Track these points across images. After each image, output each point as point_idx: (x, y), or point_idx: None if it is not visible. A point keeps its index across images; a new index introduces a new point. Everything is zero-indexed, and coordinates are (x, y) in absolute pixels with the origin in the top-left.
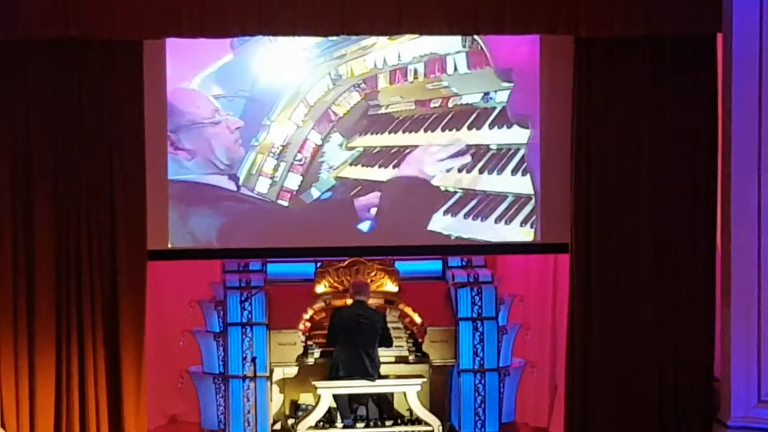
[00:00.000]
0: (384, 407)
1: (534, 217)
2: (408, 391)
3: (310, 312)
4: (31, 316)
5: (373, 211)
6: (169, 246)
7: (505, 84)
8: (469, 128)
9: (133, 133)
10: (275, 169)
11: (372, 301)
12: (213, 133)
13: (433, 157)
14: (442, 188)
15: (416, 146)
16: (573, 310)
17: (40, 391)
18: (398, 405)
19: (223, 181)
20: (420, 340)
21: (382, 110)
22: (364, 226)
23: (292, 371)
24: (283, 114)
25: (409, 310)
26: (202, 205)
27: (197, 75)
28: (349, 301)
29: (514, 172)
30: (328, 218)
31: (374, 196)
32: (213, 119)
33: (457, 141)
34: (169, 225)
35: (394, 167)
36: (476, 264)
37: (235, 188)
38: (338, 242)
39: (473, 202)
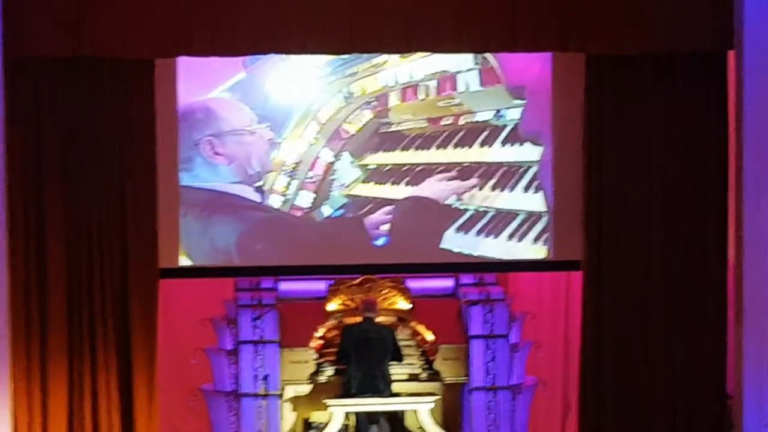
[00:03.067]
0: (396, 425)
1: (546, 235)
2: (420, 409)
3: (322, 330)
4: (43, 335)
5: (384, 228)
6: (187, 257)
7: (517, 101)
8: (481, 145)
9: (145, 152)
10: (287, 186)
11: (384, 319)
12: (250, 141)
13: (445, 174)
14: (454, 206)
15: (428, 164)
16: (585, 327)
17: (52, 410)
18: (410, 423)
19: (249, 192)
20: (432, 357)
21: (394, 128)
22: (377, 243)
23: (304, 389)
24: (295, 132)
25: (421, 328)
26: (224, 214)
27: (209, 93)
28: (359, 319)
29: (526, 189)
30: (339, 236)
31: (385, 213)
32: (251, 127)
33: (469, 158)
34: (190, 234)
35: (406, 185)
36: (488, 281)
37: (260, 199)
38: (350, 260)
39: (485, 220)
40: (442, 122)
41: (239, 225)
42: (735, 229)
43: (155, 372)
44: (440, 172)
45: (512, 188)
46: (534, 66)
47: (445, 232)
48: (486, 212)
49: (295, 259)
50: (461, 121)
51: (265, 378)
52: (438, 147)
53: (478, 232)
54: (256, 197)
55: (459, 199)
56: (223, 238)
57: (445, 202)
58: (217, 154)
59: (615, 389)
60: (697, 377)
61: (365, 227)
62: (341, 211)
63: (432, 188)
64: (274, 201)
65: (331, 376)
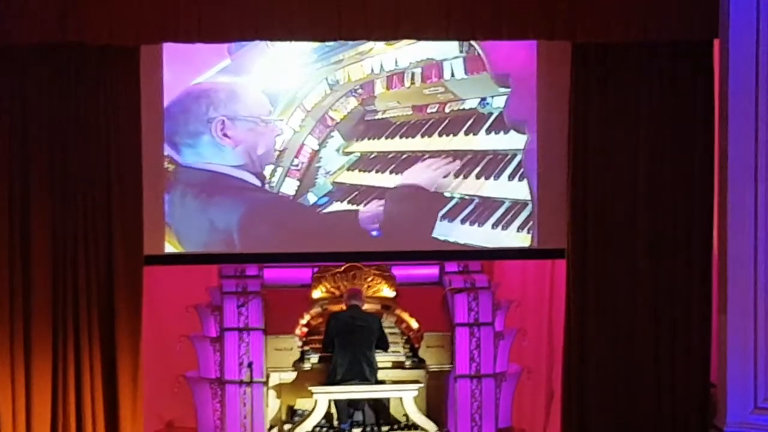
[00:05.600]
0: (380, 412)
1: (531, 223)
2: (404, 397)
3: (307, 317)
4: (27, 321)
5: (370, 216)
6: (170, 247)
7: (502, 89)
8: (466, 133)
9: (130, 139)
10: (272, 174)
11: (369, 307)
12: (261, 131)
13: (429, 162)
14: (440, 194)
15: (413, 151)
16: (569, 315)
17: (36, 396)
18: (394, 410)
19: (251, 177)
20: (417, 345)
21: (379, 115)
22: (364, 231)
23: (289, 376)
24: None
25: (405, 316)
26: (225, 195)
27: (194, 79)
28: (344, 307)
29: (510, 177)
30: (325, 223)
31: (371, 201)
32: (267, 117)
33: (454, 146)
34: (189, 213)
35: (391, 173)
36: (473, 269)
37: (260, 184)
38: (335, 247)
39: (470, 208)
40: (428, 110)
41: (240, 207)
42: (719, 217)
43: (139, 359)
44: (425, 160)
45: (497, 176)
46: (519, 54)
47: (430, 220)
48: (471, 200)
49: (287, 246)
50: (447, 109)
51: (250, 365)
52: (423, 135)
53: (463, 220)
54: (257, 182)
55: (443, 187)
56: (224, 217)
57: (431, 190)
58: (225, 135)
59: (599, 377)
60: (682, 365)
61: (350, 215)
62: (326, 199)
63: (417, 176)
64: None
65: (316, 363)
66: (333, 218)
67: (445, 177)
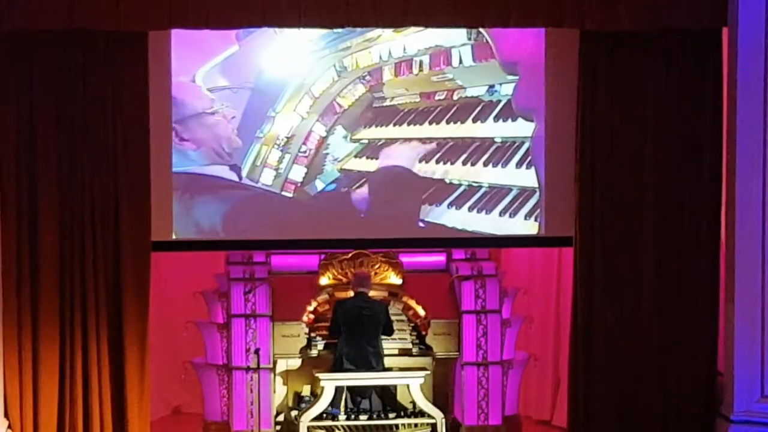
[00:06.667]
0: (387, 400)
1: (538, 211)
2: (411, 384)
3: (314, 304)
4: (35, 306)
5: (377, 202)
6: (174, 237)
7: (511, 77)
8: (474, 121)
9: (138, 125)
10: (280, 160)
11: (376, 293)
12: (213, 123)
13: (438, 149)
14: (447, 181)
15: (421, 138)
16: (576, 303)
17: (43, 381)
18: (401, 397)
19: (225, 172)
20: (423, 332)
21: (387, 102)
22: (368, 217)
23: (296, 363)
24: (288, 105)
25: (412, 303)
26: (206, 195)
27: (202, 66)
28: (351, 293)
29: (518, 165)
30: (332, 210)
31: (372, 184)
32: (211, 109)
33: (462, 134)
34: (174, 216)
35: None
36: (480, 257)
37: (237, 179)
38: (342, 234)
39: (477, 195)
40: (436, 97)
41: (221, 205)
42: (727, 206)
43: (147, 344)
44: (433, 147)
45: (505, 164)
46: (528, 41)
47: (437, 207)
48: (479, 188)
49: (287, 233)
50: (455, 96)
51: (257, 351)
52: (431, 122)
53: (471, 208)
54: (233, 177)
55: (451, 174)
56: (208, 217)
57: (439, 178)
58: (183, 140)
59: (605, 365)
60: (689, 353)
61: (356, 201)
62: (334, 186)
63: (425, 163)
64: (267, 175)
65: (323, 350)
66: (337, 204)
67: (451, 164)
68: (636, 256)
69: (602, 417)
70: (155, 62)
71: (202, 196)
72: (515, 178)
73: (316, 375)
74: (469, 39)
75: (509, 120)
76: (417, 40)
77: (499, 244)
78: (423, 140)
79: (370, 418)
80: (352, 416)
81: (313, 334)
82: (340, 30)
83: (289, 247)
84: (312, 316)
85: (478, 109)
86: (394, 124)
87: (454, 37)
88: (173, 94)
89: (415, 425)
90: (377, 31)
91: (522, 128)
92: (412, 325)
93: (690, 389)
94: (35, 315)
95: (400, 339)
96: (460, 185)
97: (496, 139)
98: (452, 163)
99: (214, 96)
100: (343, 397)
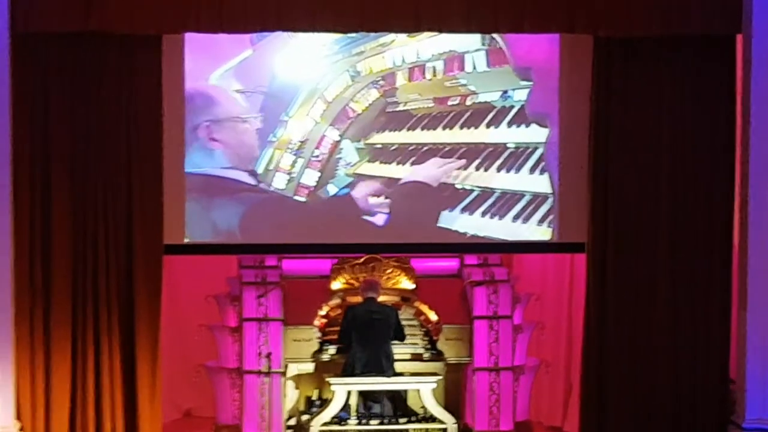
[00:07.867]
0: (398, 404)
1: (551, 216)
2: (422, 389)
3: (326, 308)
4: (47, 309)
5: (389, 208)
6: (188, 239)
7: (524, 82)
8: (488, 126)
9: (151, 128)
10: (293, 165)
11: (387, 299)
12: (243, 129)
13: (450, 155)
14: (459, 186)
15: (434, 144)
16: (589, 309)
17: (55, 383)
18: (412, 402)
19: (245, 176)
20: (435, 337)
21: (401, 107)
22: (380, 221)
23: (307, 367)
24: (302, 110)
25: (424, 308)
26: (224, 197)
27: (216, 70)
28: (360, 299)
29: (532, 170)
30: (345, 215)
31: (389, 194)
32: (243, 116)
33: (475, 139)
34: (191, 217)
35: (412, 164)
36: (492, 262)
37: (255, 182)
38: (355, 239)
39: (490, 201)
40: (449, 102)
41: (239, 207)
42: (740, 213)
43: (158, 348)
44: (445, 153)
45: (518, 170)
46: (541, 47)
47: (450, 213)
48: (491, 193)
49: (299, 237)
50: (468, 102)
51: (269, 356)
52: (444, 127)
53: (483, 213)
54: (251, 181)
55: (464, 180)
56: (226, 218)
57: (451, 183)
58: (213, 140)
59: (618, 371)
60: (701, 361)
61: (369, 206)
62: (347, 190)
63: (437, 169)
64: (279, 180)
65: (334, 354)
66: (349, 209)
67: (464, 169)
68: (649, 263)
69: (614, 423)
70: (169, 65)
71: (220, 198)
72: (528, 183)
73: (327, 380)
74: (483, 44)
75: (522, 126)
76: (431, 45)
77: (512, 250)
78: (437, 146)
79: (381, 423)
80: (363, 421)
81: (324, 339)
82: (353, 35)
83: (302, 251)
84: (324, 321)
85: (492, 114)
86: (408, 129)
87: (468, 43)
88: (210, 95)
89: (426, 430)
90: (391, 36)
91: (535, 134)
92: (423, 330)
93: (702, 396)
94: (47, 317)
95: (411, 344)
96: (473, 190)
97: (509, 145)
98: (465, 169)
99: (246, 104)
100: (355, 402)
